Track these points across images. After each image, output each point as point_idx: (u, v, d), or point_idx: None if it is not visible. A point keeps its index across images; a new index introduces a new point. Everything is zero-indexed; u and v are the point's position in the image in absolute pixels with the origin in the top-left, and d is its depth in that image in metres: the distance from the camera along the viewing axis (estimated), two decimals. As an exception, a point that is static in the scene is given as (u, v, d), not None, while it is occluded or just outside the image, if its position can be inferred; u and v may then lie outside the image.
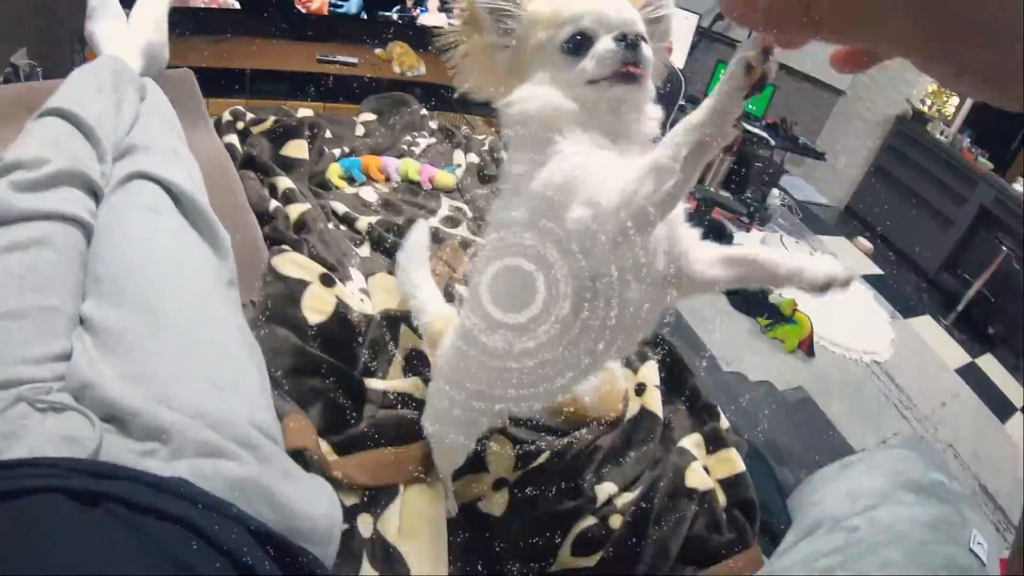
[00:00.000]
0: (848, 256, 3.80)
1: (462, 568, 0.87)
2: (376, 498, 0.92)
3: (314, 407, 0.98)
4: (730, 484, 1.04)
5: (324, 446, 0.93)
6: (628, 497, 1.01)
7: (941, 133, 4.09)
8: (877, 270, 3.77)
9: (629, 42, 0.57)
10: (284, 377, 0.99)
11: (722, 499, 1.02)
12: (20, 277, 0.78)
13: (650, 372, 1.23)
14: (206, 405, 0.76)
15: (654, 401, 1.18)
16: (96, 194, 0.95)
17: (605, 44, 0.58)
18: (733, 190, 3.76)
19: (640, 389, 1.21)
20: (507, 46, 0.62)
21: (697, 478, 0.99)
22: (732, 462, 1.07)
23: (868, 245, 4.00)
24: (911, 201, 4.14)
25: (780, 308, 2.55)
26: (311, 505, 0.78)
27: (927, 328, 3.34)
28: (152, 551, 0.57)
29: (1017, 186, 3.65)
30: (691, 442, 1.08)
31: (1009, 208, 3.59)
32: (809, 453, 1.67)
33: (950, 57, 0.25)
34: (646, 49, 0.59)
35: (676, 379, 1.27)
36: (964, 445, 2.45)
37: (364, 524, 0.88)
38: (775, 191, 3.73)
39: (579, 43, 0.59)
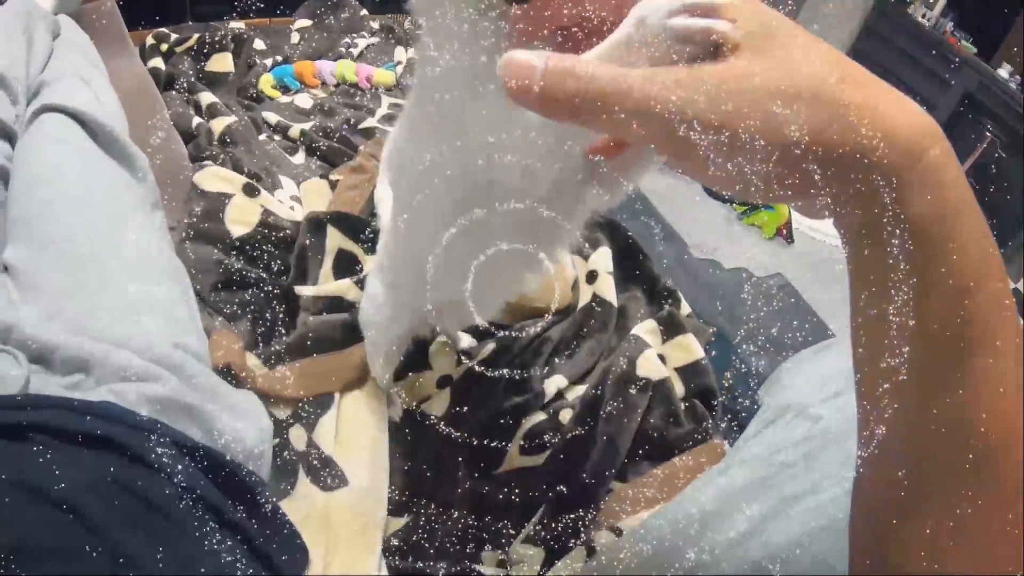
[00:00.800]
0: None
1: (406, 476, 0.85)
2: (308, 411, 0.89)
3: (243, 321, 0.94)
4: (688, 372, 1.01)
5: (253, 360, 0.90)
6: (580, 390, 0.98)
7: (923, 16, 3.89)
8: None
9: None
10: (210, 293, 0.95)
11: (680, 388, 0.99)
12: None
13: (602, 259, 1.18)
14: (125, 331, 0.76)
15: (607, 288, 1.13)
16: (11, 137, 0.93)
17: None
18: None
19: (592, 276, 1.16)
20: None
21: (650, 366, 0.95)
22: (689, 348, 1.03)
23: None
24: (893, 86, 3.94)
25: None
26: (238, 421, 0.77)
27: (910, 213, 3.29)
28: (85, 474, 0.57)
29: (1002, 71, 3.52)
30: (645, 329, 1.03)
31: (994, 93, 3.47)
32: (789, 340, 1.64)
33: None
34: None
35: (632, 264, 1.21)
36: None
37: (297, 437, 0.85)
38: None
39: None
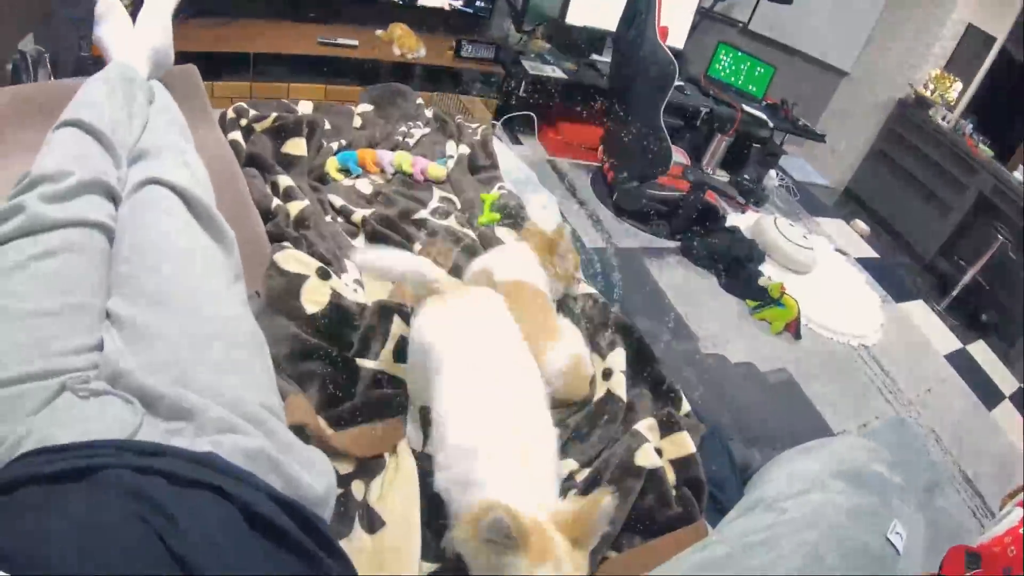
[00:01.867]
0: (845, 238, 3.85)
1: (436, 533, 1.00)
2: (367, 467, 1.05)
3: (312, 387, 1.11)
4: (680, 464, 1.16)
5: (321, 422, 1.06)
6: (587, 473, 1.14)
7: (943, 118, 4.09)
8: (873, 253, 3.82)
9: None
10: (285, 361, 1.12)
11: (672, 477, 1.14)
12: (53, 280, 0.89)
13: (617, 358, 1.35)
14: (220, 388, 0.86)
15: (619, 385, 1.30)
16: (115, 199, 1.05)
17: None
18: (731, 170, 3.83)
19: (607, 374, 1.33)
20: None
21: (646, 457, 1.10)
22: (683, 444, 1.18)
23: (865, 228, 4.06)
24: (910, 185, 4.18)
25: (769, 291, 2.60)
26: (311, 474, 0.88)
27: (920, 313, 3.39)
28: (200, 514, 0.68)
29: (1017, 174, 3.68)
30: (645, 426, 1.19)
31: (1008, 197, 3.63)
32: (786, 434, 1.75)
33: None
34: None
35: (642, 365, 1.38)
36: (947, 431, 2.50)
37: (357, 489, 1.01)
38: (772, 172, 3.77)
39: None
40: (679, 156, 3.28)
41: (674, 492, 1.12)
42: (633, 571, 0.98)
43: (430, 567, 0.98)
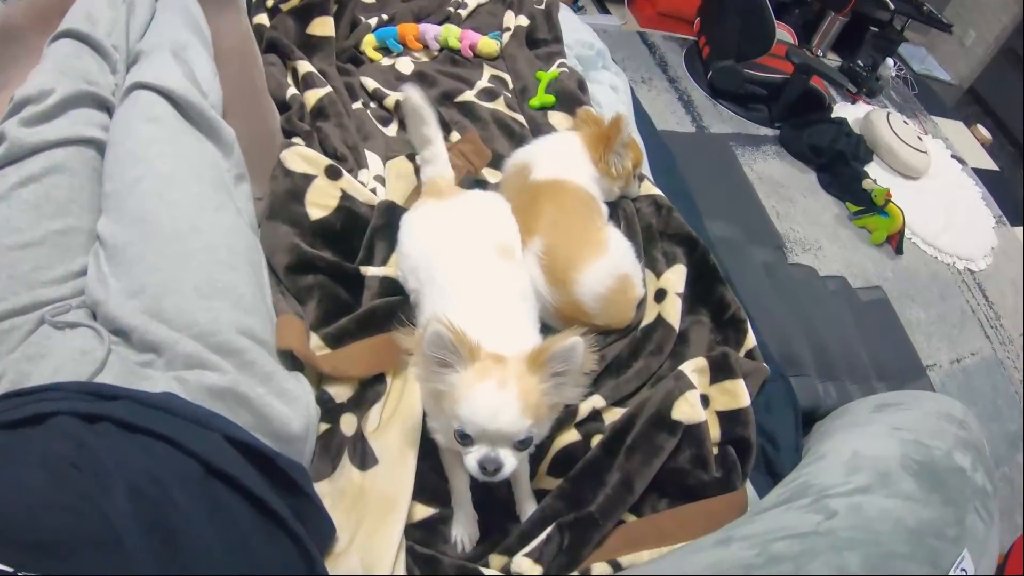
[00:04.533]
0: (963, 144, 3.29)
1: (438, 473, 0.90)
2: (365, 395, 0.95)
3: (311, 302, 1.00)
4: (728, 419, 0.98)
5: (316, 341, 0.96)
6: (617, 413, 0.98)
7: None
8: (992, 165, 3.26)
9: (493, 467, 0.72)
10: (284, 275, 1.02)
11: (716, 433, 0.96)
12: (36, 207, 0.86)
13: (674, 277, 1.14)
14: (195, 314, 0.83)
15: (673, 310, 1.10)
16: (109, 109, 1.00)
17: (474, 459, 0.72)
18: (843, 55, 3.27)
19: (660, 295, 1.13)
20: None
21: (687, 410, 0.93)
22: (736, 395, 0.99)
23: (987, 135, 3.46)
24: None
25: (872, 196, 2.28)
26: (287, 407, 0.83)
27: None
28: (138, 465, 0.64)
29: None
30: (693, 366, 1.00)
31: None
32: (872, 365, 1.52)
33: None
34: (508, 464, 0.72)
35: (706, 286, 1.17)
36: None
37: (347, 424, 0.91)
38: (890, 61, 3.21)
39: (464, 436, 0.72)
40: (784, 34, 2.88)
41: (715, 451, 0.94)
42: (651, 541, 0.84)
43: (427, 511, 0.88)
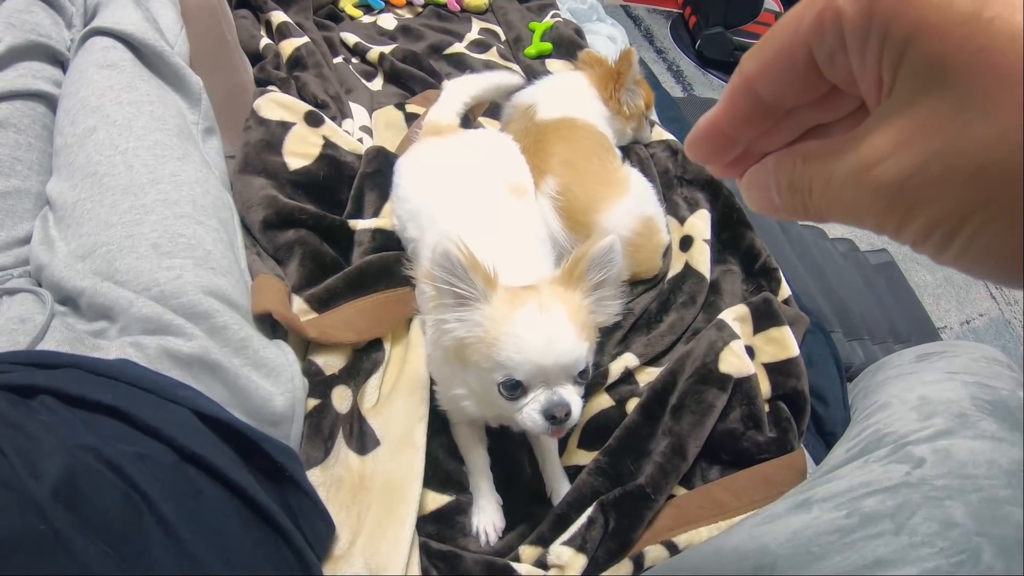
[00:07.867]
0: None
1: (453, 454, 0.77)
2: (358, 367, 0.81)
3: (292, 262, 0.87)
4: (778, 370, 0.86)
5: (300, 304, 0.82)
6: (653, 373, 0.86)
7: None
8: None
9: (564, 412, 0.58)
10: (259, 231, 0.88)
11: (766, 387, 0.85)
12: None
13: (700, 223, 1.02)
14: (152, 275, 0.71)
15: (701, 258, 0.98)
16: (62, 63, 0.90)
17: (535, 411, 0.59)
18: None
19: (686, 243, 1.02)
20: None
21: (735, 361, 0.81)
22: (784, 343, 0.87)
23: None
24: None
25: None
26: (267, 380, 0.71)
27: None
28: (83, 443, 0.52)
29: None
30: (735, 314, 0.88)
31: None
32: (885, 329, 1.43)
33: None
34: (576, 405, 0.60)
35: (733, 233, 1.05)
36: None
37: (340, 397, 0.78)
38: None
39: (513, 385, 0.59)
40: (771, 2, 2.80)
41: (767, 408, 0.82)
42: (707, 521, 0.72)
43: (442, 499, 0.75)
